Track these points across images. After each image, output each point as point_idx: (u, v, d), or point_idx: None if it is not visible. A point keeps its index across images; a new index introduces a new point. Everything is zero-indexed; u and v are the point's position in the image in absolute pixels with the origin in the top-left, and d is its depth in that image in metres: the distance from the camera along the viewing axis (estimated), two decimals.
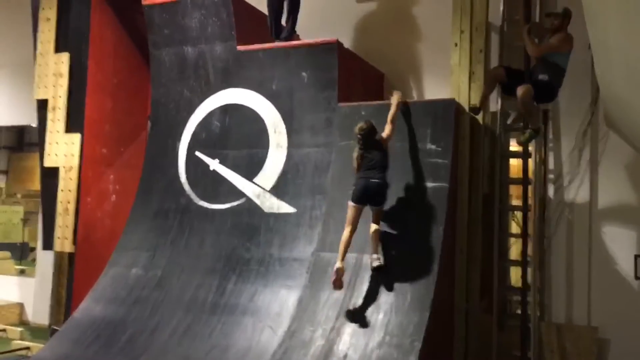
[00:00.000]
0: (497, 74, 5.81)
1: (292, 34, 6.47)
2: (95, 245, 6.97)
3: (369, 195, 5.10)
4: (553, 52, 5.55)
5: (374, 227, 5.18)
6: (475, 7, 5.95)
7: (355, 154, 5.18)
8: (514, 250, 6.72)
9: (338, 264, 5.02)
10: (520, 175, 6.24)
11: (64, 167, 6.96)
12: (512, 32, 6.41)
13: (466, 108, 5.81)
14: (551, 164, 6.45)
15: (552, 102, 6.12)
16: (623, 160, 6.18)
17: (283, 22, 6.55)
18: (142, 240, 6.31)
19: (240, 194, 6.09)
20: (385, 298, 5.04)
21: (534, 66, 5.73)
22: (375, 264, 5.09)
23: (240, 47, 6.27)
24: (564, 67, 5.60)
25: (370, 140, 5.16)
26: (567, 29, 5.61)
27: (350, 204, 5.10)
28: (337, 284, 5.04)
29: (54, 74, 7.10)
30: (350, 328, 4.97)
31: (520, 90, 5.40)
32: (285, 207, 5.87)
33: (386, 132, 5.27)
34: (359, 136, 5.16)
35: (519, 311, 6.22)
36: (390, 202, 5.37)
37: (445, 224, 5.21)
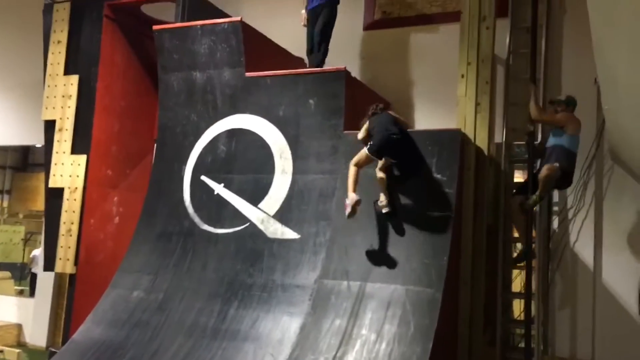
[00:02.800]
0: (516, 202, 5.81)
1: (320, 65, 6.56)
2: (96, 267, 6.95)
3: (390, 148, 5.23)
4: (561, 134, 5.48)
5: (380, 173, 5.31)
6: (482, 39, 6.04)
7: (365, 126, 5.44)
8: (517, 282, 6.67)
9: (352, 195, 5.16)
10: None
11: (68, 187, 6.97)
12: (518, 64, 6.45)
13: (472, 138, 5.83)
14: (556, 197, 6.45)
15: None
16: (628, 194, 6.18)
17: None
18: (145, 262, 6.28)
19: (244, 219, 6.08)
20: (388, 327, 4.99)
21: (545, 153, 5.65)
22: (385, 210, 5.28)
23: (248, 74, 6.33)
24: (575, 152, 5.56)
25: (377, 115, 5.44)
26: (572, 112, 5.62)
27: (365, 151, 5.22)
28: (352, 212, 5.16)
29: (62, 95, 7.16)
30: (352, 357, 4.91)
31: (547, 170, 5.36)
32: (289, 233, 5.86)
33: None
34: (370, 113, 5.43)
35: (522, 344, 6.14)
36: (394, 229, 5.37)
37: (449, 253, 5.19)
